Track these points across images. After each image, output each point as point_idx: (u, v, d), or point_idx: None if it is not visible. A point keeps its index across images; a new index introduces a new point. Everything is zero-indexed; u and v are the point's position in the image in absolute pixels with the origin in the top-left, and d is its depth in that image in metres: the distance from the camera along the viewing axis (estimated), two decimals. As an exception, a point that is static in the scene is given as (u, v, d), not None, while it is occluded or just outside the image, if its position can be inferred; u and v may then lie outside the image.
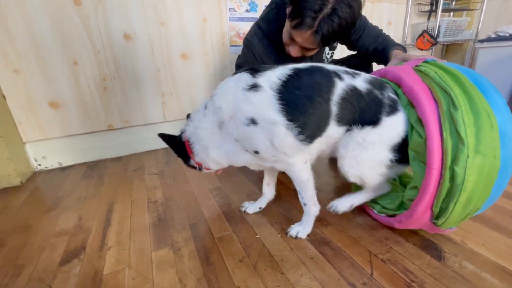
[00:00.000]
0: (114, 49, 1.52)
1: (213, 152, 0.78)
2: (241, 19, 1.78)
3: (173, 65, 1.68)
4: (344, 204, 0.86)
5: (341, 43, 1.28)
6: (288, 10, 0.87)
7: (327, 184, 1.18)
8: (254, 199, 1.06)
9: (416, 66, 0.71)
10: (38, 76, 1.40)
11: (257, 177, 1.26)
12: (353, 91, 0.70)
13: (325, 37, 0.83)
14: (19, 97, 1.39)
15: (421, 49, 2.27)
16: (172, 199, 1.12)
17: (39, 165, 1.53)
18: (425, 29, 2.24)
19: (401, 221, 0.72)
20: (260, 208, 0.99)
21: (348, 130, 0.73)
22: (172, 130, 1.79)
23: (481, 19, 2.39)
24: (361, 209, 0.95)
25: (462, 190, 0.57)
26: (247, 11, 1.77)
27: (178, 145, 0.85)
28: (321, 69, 0.71)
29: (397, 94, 0.73)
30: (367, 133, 0.71)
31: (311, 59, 1.24)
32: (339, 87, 0.69)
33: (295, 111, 0.66)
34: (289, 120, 0.66)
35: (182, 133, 0.86)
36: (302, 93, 0.67)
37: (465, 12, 2.57)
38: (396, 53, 0.92)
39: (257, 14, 1.81)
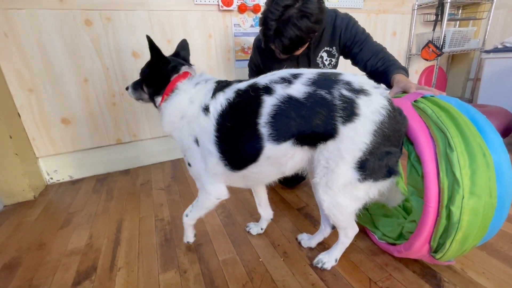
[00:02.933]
0: (123, 67, 1.57)
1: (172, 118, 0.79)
2: (246, 34, 1.81)
3: (180, 80, 1.72)
4: (331, 260, 0.82)
5: (345, 57, 1.30)
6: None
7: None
8: (257, 218, 1.09)
9: (414, 101, 0.73)
10: (51, 94, 1.46)
11: (261, 194, 1.29)
12: (288, 102, 0.63)
13: (285, 50, 1.03)
14: (33, 115, 1.45)
15: (426, 59, 2.26)
16: (179, 217, 1.16)
17: (51, 178, 1.58)
18: (430, 39, 2.24)
19: (401, 251, 0.74)
20: (261, 229, 1.02)
21: (298, 143, 0.66)
22: (179, 143, 1.83)
23: (488, 28, 2.37)
24: (363, 232, 0.97)
25: (458, 229, 0.59)
26: (251, 26, 1.80)
27: (159, 72, 0.82)
28: (252, 88, 0.68)
29: (356, 91, 0.61)
30: (330, 152, 0.64)
31: (309, 65, 1.28)
32: (268, 105, 0.64)
33: (225, 144, 0.71)
34: (220, 152, 0.72)
35: (178, 72, 0.81)
36: (231, 124, 0.69)
37: (471, 22, 2.55)
38: (398, 79, 0.93)
39: (262, 29, 1.84)
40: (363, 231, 0.97)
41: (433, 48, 2.19)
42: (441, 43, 2.21)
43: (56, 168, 1.58)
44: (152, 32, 1.57)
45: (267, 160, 0.70)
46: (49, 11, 1.35)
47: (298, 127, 0.63)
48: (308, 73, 0.66)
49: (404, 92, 0.86)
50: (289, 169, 0.74)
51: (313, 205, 1.18)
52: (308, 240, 0.92)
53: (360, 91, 0.62)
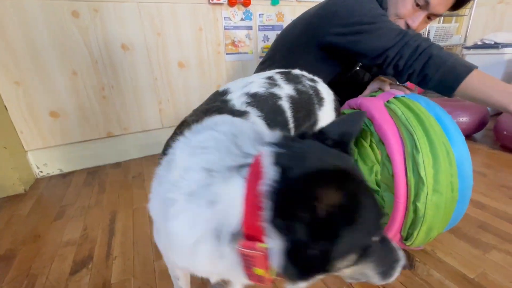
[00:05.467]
0: (113, 59, 1.56)
1: None
2: (236, 27, 1.82)
3: (170, 73, 1.73)
4: None
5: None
6: None
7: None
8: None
9: (387, 101, 0.78)
10: (38, 87, 1.44)
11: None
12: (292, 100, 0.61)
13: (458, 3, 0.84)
14: (20, 108, 1.43)
15: (411, 55, 2.34)
16: (171, 208, 1.20)
17: (41, 172, 1.58)
18: (415, 35, 2.31)
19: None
20: None
21: None
22: (169, 136, 1.85)
23: (469, 25, 2.46)
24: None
25: (423, 222, 0.66)
26: (242, 19, 1.81)
27: None
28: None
29: (312, 80, 0.69)
30: None
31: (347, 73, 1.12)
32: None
33: None
34: None
35: None
36: None
37: (454, 18, 2.63)
38: (377, 77, 0.99)
39: (252, 23, 1.86)
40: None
41: (417, 44, 2.26)
42: (425, 39, 2.29)
43: (46, 161, 1.58)
44: (142, 25, 1.57)
45: None
46: (35, 1, 1.32)
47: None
48: (264, 78, 0.64)
49: (380, 89, 0.92)
50: None
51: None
52: None
53: (313, 80, 0.71)
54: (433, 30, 2.34)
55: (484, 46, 2.11)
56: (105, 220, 1.14)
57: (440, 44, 2.43)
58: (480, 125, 1.75)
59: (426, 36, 2.29)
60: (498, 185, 1.23)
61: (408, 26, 0.90)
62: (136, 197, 1.31)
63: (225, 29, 1.79)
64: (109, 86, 1.59)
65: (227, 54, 1.85)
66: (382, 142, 0.73)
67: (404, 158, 0.67)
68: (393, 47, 0.79)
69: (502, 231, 0.94)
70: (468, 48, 2.21)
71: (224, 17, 1.76)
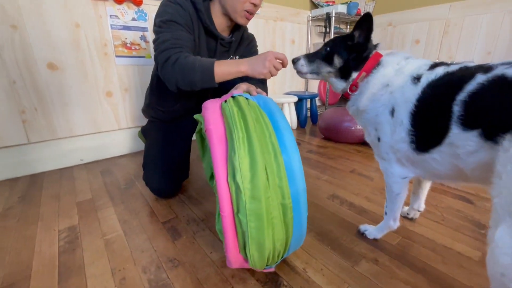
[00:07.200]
0: None
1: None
2: (127, 27, 1.61)
3: (37, 76, 1.41)
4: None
5: None
6: None
7: (204, 211, 1.11)
8: (110, 239, 0.92)
9: (225, 101, 0.69)
10: None
11: (127, 210, 1.11)
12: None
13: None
14: None
15: (320, 67, 2.47)
16: (1, 249, 0.89)
17: None
18: (322, 49, 2.44)
19: (229, 263, 0.68)
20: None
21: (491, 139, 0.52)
22: (41, 153, 1.50)
23: (367, 43, 2.75)
24: (221, 242, 0.90)
25: (249, 237, 0.55)
26: (133, 19, 1.62)
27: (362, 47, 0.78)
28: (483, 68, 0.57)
29: None
30: None
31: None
32: (474, 82, 0.54)
33: (419, 117, 0.66)
34: (412, 125, 0.67)
35: (374, 49, 0.78)
36: (433, 94, 0.63)
37: (356, 36, 2.91)
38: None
39: (147, 24, 1.68)
40: (221, 244, 0.90)
41: (324, 57, 2.40)
42: (331, 53, 2.44)
43: None
44: (-14, 13, 1.23)
45: (449, 146, 0.61)
46: None
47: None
48: None
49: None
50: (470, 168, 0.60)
51: (182, 216, 1.07)
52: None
53: None
54: (337, 45, 2.52)
55: (377, 61, 2.34)
56: None
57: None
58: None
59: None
60: (381, 188, 1.27)
61: (254, 5, 1.05)
62: (-46, 238, 0.95)
63: (112, 28, 1.56)
64: None
65: (117, 56, 1.61)
66: None
67: (227, 162, 0.56)
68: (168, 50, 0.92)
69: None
70: (366, 62, 2.43)
71: (110, 15, 1.54)
